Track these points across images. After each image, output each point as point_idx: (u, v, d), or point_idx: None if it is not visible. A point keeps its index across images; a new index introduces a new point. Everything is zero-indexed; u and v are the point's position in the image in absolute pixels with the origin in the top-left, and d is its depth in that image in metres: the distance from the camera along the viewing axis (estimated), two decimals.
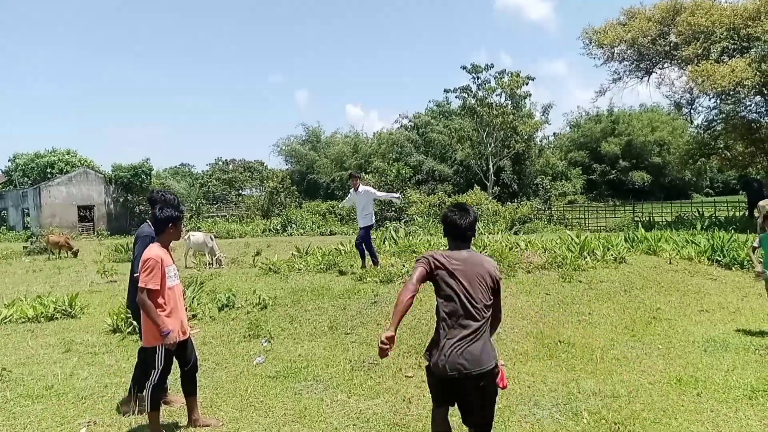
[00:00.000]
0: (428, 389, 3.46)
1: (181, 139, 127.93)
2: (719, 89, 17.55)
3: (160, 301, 4.16)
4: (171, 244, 4.44)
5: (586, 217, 28.36)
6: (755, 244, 6.99)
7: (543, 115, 41.52)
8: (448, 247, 3.46)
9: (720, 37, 18.18)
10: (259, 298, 8.21)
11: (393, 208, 26.16)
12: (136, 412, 4.69)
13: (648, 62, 22.04)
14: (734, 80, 16.73)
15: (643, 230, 13.05)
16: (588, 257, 9.87)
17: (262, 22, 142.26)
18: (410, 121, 47.68)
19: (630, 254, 10.51)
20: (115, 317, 7.62)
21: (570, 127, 56.99)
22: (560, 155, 49.80)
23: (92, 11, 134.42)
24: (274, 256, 12.79)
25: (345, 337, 6.71)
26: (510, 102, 37.20)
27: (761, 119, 21.43)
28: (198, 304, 8.22)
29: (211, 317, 7.85)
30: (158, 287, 4.12)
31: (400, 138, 44.79)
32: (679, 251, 10.99)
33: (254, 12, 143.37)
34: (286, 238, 23.03)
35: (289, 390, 5.18)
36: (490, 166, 36.88)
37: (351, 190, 10.23)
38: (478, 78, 36.36)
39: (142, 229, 4.82)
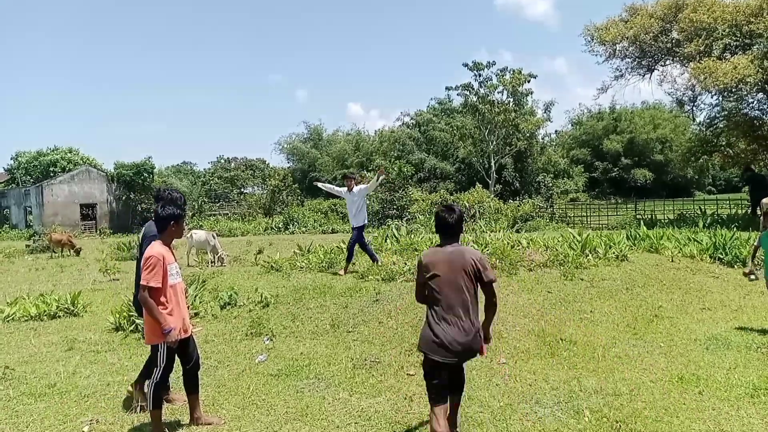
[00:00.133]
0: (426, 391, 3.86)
1: (183, 138, 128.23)
2: (721, 86, 17.46)
3: (162, 299, 4.17)
4: (173, 242, 4.45)
5: (588, 214, 28.30)
6: (756, 243, 6.98)
7: (545, 112, 41.43)
8: (439, 242, 4.00)
9: (722, 34, 18.09)
10: (261, 297, 8.22)
11: (394, 207, 26.15)
12: (138, 411, 4.70)
13: (650, 59, 21.95)
14: (736, 77, 16.66)
15: (645, 228, 13.02)
16: (590, 255, 9.85)
17: (264, 20, 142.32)
18: (412, 118, 47.62)
19: (632, 252, 10.50)
20: (117, 315, 7.64)
21: (572, 125, 56.87)
22: (562, 153, 49.69)
23: (94, 9, 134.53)
24: (276, 254, 12.81)
25: (347, 336, 6.72)
26: (512, 99, 37.09)
27: (764, 116, 21.34)
28: (200, 303, 8.23)
29: (213, 315, 7.87)
30: (160, 285, 4.13)
31: (402, 136, 44.74)
32: (681, 249, 10.97)
33: (255, 10, 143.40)
34: (288, 237, 23.05)
35: (290, 388, 5.19)
36: (492, 164, 36.84)
37: (344, 190, 10.15)
38: (479, 75, 36.28)
39: (150, 229, 4.79)
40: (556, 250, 10.04)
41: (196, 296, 8.38)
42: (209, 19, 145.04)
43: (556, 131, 57.48)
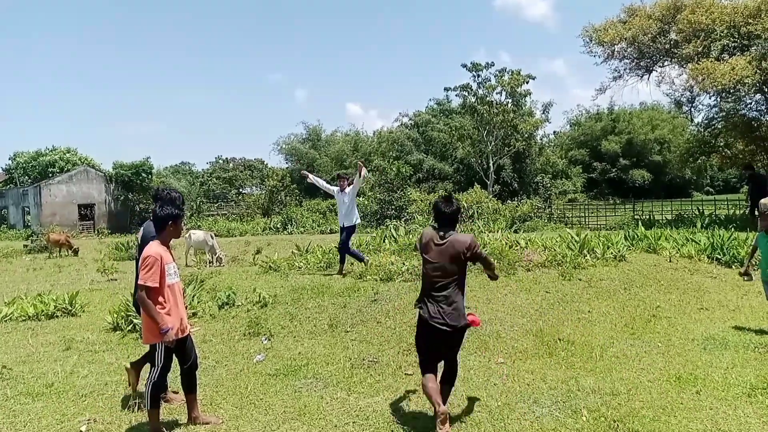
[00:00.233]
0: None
1: (181, 138, 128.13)
2: (719, 87, 17.48)
3: (160, 299, 4.17)
4: (171, 242, 4.45)
5: (587, 215, 28.35)
6: (754, 243, 7.00)
7: (543, 113, 41.54)
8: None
9: (720, 35, 18.11)
10: (260, 296, 8.21)
11: (393, 207, 26.15)
12: (136, 409, 4.70)
13: (648, 60, 21.96)
14: (734, 78, 16.68)
15: (643, 228, 13.03)
16: (588, 255, 9.86)
17: (262, 20, 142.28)
18: (410, 119, 47.68)
19: (630, 252, 10.50)
20: (115, 315, 7.64)
21: (570, 126, 56.99)
22: (560, 153, 49.80)
23: (93, 9, 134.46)
24: (274, 254, 12.82)
25: (345, 335, 6.72)
26: (510, 100, 37.15)
27: (761, 117, 21.37)
28: (198, 302, 8.23)
29: (211, 315, 7.86)
30: (157, 285, 4.13)
31: (401, 136, 44.79)
32: (679, 249, 10.98)
33: (254, 10, 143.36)
34: (286, 237, 23.05)
35: (289, 388, 5.19)
36: (491, 165, 36.87)
37: (336, 189, 10.11)
38: (478, 76, 36.35)
39: (149, 229, 4.78)
40: (555, 250, 10.05)
41: (194, 296, 8.38)
42: (208, 20, 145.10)
43: (554, 132, 57.70)
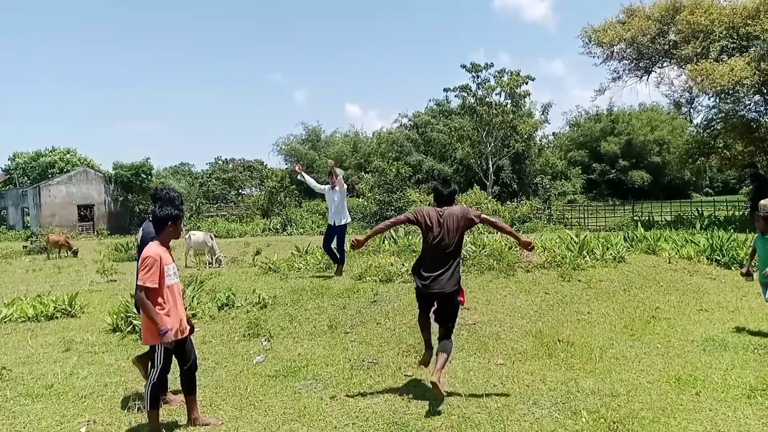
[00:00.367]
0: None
1: (180, 138, 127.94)
2: (718, 88, 17.52)
3: (159, 299, 4.17)
4: (171, 243, 4.45)
5: (586, 216, 28.39)
6: (753, 244, 7.00)
7: (542, 114, 41.48)
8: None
9: (719, 36, 18.14)
10: (259, 297, 8.21)
11: (392, 208, 26.16)
12: (136, 410, 4.70)
13: (647, 61, 21.99)
14: (733, 79, 16.71)
15: (642, 230, 13.04)
16: (587, 256, 9.86)
17: (262, 21, 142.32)
18: (410, 120, 47.65)
19: (629, 253, 10.51)
20: (114, 316, 7.63)
21: (569, 127, 57.01)
22: (560, 154, 49.79)
23: (93, 9, 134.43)
24: (273, 255, 12.81)
25: (344, 336, 6.72)
26: (509, 101, 37.15)
27: (760, 118, 21.41)
28: (198, 303, 8.22)
29: (210, 316, 7.86)
30: (156, 285, 4.13)
31: (400, 137, 44.76)
32: (678, 250, 10.99)
33: (254, 10, 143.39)
34: (285, 238, 23.06)
35: (288, 389, 5.19)
36: (490, 166, 36.87)
37: (327, 187, 10.07)
38: (477, 77, 36.32)
39: (149, 230, 4.78)
40: (554, 251, 10.05)
41: (193, 297, 8.36)
42: (208, 20, 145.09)
43: (553, 133, 57.68)
